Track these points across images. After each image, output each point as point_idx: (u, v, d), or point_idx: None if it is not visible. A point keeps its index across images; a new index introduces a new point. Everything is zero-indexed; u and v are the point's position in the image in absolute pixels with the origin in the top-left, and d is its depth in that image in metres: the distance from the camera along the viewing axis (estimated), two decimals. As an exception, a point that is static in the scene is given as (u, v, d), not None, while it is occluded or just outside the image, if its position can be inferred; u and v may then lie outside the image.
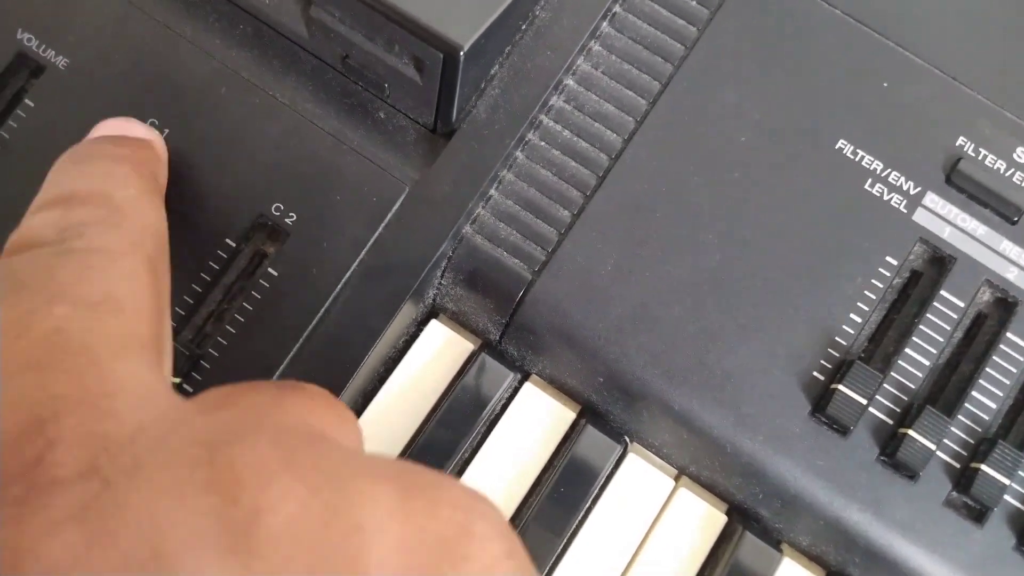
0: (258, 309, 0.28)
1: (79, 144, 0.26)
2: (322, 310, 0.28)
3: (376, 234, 0.29)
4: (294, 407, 0.19)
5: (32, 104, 0.30)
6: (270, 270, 0.28)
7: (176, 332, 0.28)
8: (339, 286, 0.28)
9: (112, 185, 0.23)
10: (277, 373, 0.28)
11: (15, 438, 0.16)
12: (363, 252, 0.29)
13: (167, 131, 0.29)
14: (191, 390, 0.28)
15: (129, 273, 0.21)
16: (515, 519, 0.29)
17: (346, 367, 0.28)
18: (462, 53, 0.27)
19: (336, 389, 0.28)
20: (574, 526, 0.29)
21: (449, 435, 0.30)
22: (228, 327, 0.28)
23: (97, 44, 0.30)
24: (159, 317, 0.21)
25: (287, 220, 0.29)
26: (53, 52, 0.30)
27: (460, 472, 0.30)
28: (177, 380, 0.27)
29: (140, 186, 0.24)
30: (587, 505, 0.29)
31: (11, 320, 0.18)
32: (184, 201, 0.29)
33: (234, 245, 0.28)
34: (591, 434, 0.30)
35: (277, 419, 0.18)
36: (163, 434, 0.17)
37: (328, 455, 0.17)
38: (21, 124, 0.30)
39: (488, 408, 0.30)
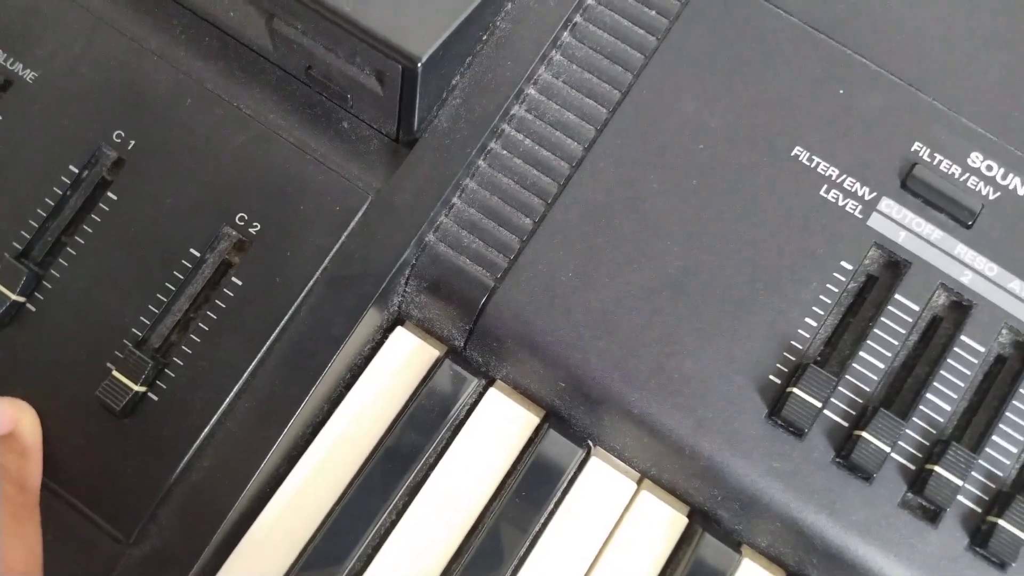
0: (223, 317, 0.29)
1: None
2: (286, 318, 0.29)
3: (339, 242, 0.29)
4: None
5: (0, 117, 0.30)
6: (234, 279, 0.29)
7: (142, 341, 0.29)
8: (303, 294, 0.29)
9: None
10: (241, 380, 0.28)
11: None
12: (326, 260, 0.29)
13: (133, 142, 0.30)
14: (155, 399, 0.28)
15: None
16: (479, 523, 0.30)
17: (310, 374, 0.29)
18: (420, 64, 0.27)
19: (300, 395, 0.28)
20: (538, 528, 0.30)
21: (414, 439, 0.30)
22: (193, 336, 0.28)
23: (65, 58, 0.30)
24: None
25: (251, 230, 0.29)
26: (21, 66, 0.31)
27: (425, 476, 0.30)
28: (143, 389, 0.28)
29: (5, 516, 0.24)
30: (551, 507, 0.30)
31: None
32: (149, 211, 0.29)
33: (199, 255, 0.29)
34: (554, 438, 0.30)
35: None
36: None
37: None
38: (-10, 137, 0.30)
39: (453, 413, 0.30)
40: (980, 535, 0.28)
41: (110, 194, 0.29)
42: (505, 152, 0.31)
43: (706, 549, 0.29)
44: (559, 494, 0.30)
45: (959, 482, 0.28)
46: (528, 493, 0.30)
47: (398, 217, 0.30)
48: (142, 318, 0.28)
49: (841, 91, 0.30)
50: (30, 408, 0.27)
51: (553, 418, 0.31)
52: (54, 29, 0.31)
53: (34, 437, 0.27)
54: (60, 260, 0.29)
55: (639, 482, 0.31)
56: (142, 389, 0.28)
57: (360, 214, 0.29)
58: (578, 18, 0.31)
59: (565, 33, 0.31)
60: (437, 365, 0.31)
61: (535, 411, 0.31)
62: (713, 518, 0.30)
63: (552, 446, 0.30)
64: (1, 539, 0.24)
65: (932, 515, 0.28)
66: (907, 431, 0.28)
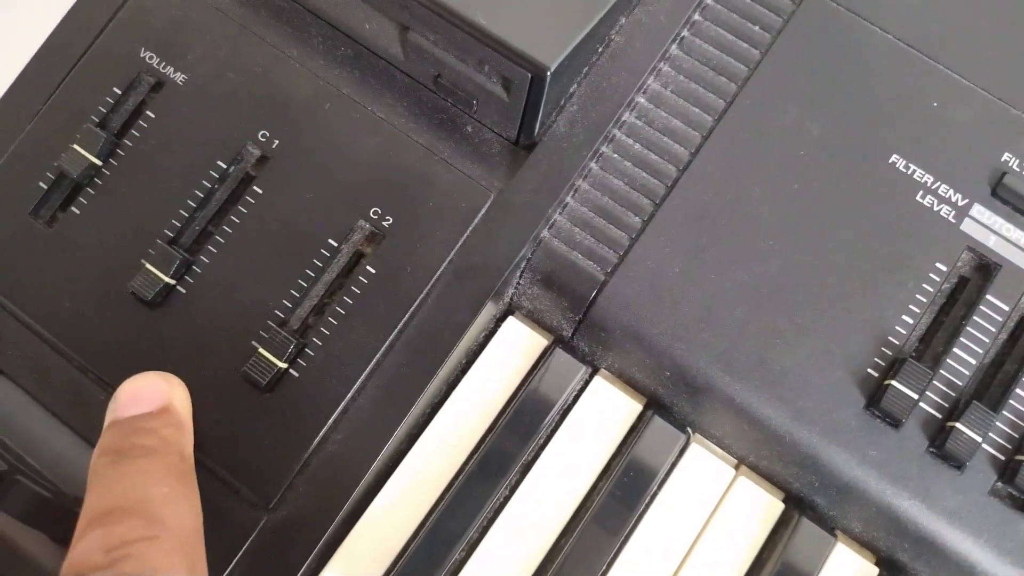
0: (357, 303, 0.31)
1: (110, 433, 0.28)
2: (414, 305, 0.31)
3: (463, 237, 0.31)
4: None
5: (153, 115, 0.33)
6: (368, 268, 0.31)
7: (283, 323, 0.31)
8: (430, 284, 0.31)
9: (147, 489, 0.26)
10: (373, 361, 0.31)
11: None
12: (452, 253, 0.31)
13: (277, 142, 0.32)
14: (296, 375, 0.30)
15: None
16: (585, 502, 0.32)
17: (435, 358, 0.31)
18: (549, 73, 0.29)
19: (425, 377, 0.31)
20: (640, 510, 0.31)
21: (525, 424, 0.32)
22: (330, 318, 0.31)
23: (212, 62, 0.33)
24: None
25: (384, 223, 0.31)
26: (172, 69, 0.33)
27: (535, 459, 0.32)
28: (285, 365, 0.30)
29: (172, 480, 0.26)
30: (653, 491, 0.32)
31: None
32: (290, 205, 0.32)
33: (335, 245, 0.31)
34: (657, 424, 0.32)
35: None
36: None
37: None
38: (143, 133, 0.33)
39: (561, 399, 0.32)
40: (1069, 524, 0.29)
41: (255, 187, 0.32)
42: (616, 156, 0.33)
43: (803, 533, 0.31)
44: (661, 478, 0.32)
45: (1049, 473, 0.29)
46: (632, 476, 0.32)
47: (517, 215, 0.32)
48: (284, 301, 0.31)
49: (935, 104, 0.32)
50: (181, 382, 0.30)
51: (655, 406, 0.33)
52: (202, 36, 0.33)
53: (186, 410, 0.29)
54: (208, 247, 0.32)
55: (737, 468, 0.33)
56: (284, 365, 0.30)
57: (483, 211, 0.32)
58: (686, 32, 0.33)
59: (674, 46, 0.33)
60: (546, 353, 0.33)
61: (638, 399, 0.33)
62: (809, 504, 0.32)
63: (655, 432, 0.32)
64: (172, 501, 0.26)
65: (1021, 504, 0.30)
66: (998, 423, 0.30)
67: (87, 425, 0.31)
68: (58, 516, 0.30)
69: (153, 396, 0.29)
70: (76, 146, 0.32)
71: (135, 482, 0.26)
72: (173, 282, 0.31)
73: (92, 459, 0.27)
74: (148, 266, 0.31)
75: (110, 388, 0.31)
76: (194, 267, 0.32)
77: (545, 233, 0.32)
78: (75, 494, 0.31)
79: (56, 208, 0.33)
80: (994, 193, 0.32)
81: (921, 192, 0.32)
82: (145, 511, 0.25)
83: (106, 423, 0.29)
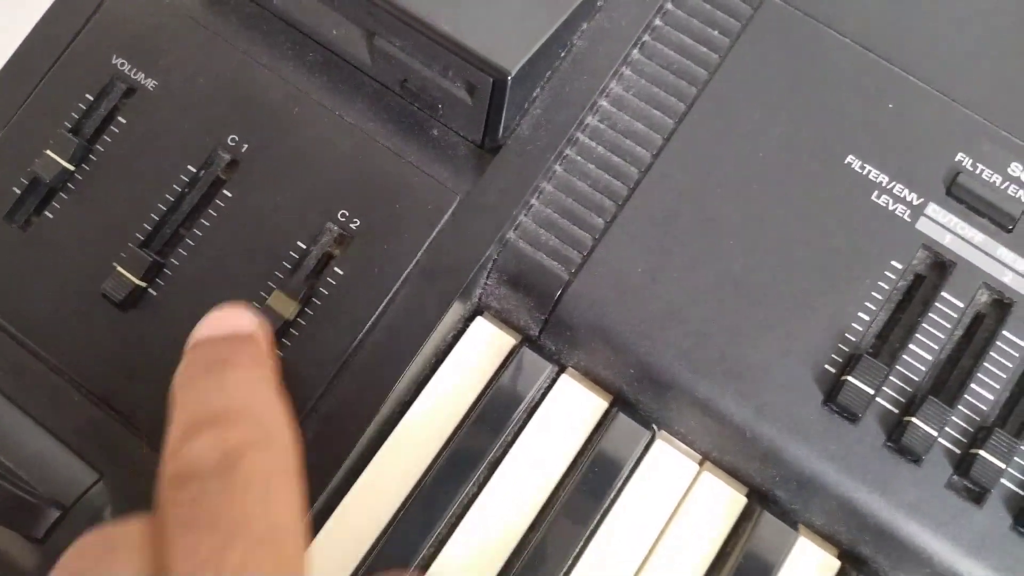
0: (326, 305, 0.31)
1: (201, 348, 0.26)
2: (382, 305, 0.32)
3: (430, 239, 0.32)
4: None
5: (125, 121, 0.34)
6: (336, 270, 0.32)
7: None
8: (397, 284, 0.32)
9: (253, 395, 0.24)
10: (341, 360, 0.31)
11: None
12: (419, 255, 0.32)
13: (246, 146, 0.33)
14: (266, 376, 0.31)
15: (286, 497, 0.22)
16: (552, 498, 0.32)
17: (403, 356, 0.31)
18: (510, 77, 0.30)
19: (393, 376, 0.31)
20: (607, 505, 0.32)
21: (492, 422, 0.33)
22: (299, 319, 0.31)
23: (183, 68, 0.34)
24: (304, 534, 0.23)
25: (352, 225, 0.32)
26: (143, 75, 0.34)
27: (503, 455, 0.33)
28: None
29: (271, 393, 0.25)
30: (618, 487, 0.32)
31: (194, 561, 0.20)
32: (260, 208, 0.32)
33: (304, 247, 0.32)
34: (622, 421, 0.33)
35: None
36: None
37: None
38: (115, 139, 0.33)
39: (528, 397, 0.33)
40: (1022, 515, 0.30)
41: (225, 191, 0.32)
42: (580, 158, 0.33)
43: (765, 527, 0.31)
44: (626, 474, 0.32)
45: (1003, 465, 0.30)
46: (598, 472, 0.32)
47: (483, 216, 0.32)
48: (255, 303, 0.31)
49: (891, 105, 0.33)
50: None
51: (621, 403, 0.33)
52: (174, 43, 0.34)
53: (270, 345, 0.28)
54: (179, 250, 0.32)
55: (701, 464, 0.33)
56: (254, 367, 0.31)
57: (449, 213, 0.32)
58: (647, 37, 0.34)
59: (635, 51, 0.34)
60: (514, 352, 0.33)
61: (604, 396, 0.34)
62: (771, 498, 0.32)
63: (621, 428, 0.33)
64: (277, 413, 0.24)
65: (977, 496, 0.30)
66: (953, 418, 0.31)
67: (62, 425, 0.32)
68: (34, 516, 0.31)
69: (241, 322, 0.27)
70: (50, 152, 0.33)
71: (238, 389, 0.24)
72: (144, 284, 0.32)
73: (177, 375, 0.25)
74: (119, 269, 0.31)
75: (84, 389, 0.32)
76: (165, 269, 0.32)
77: (511, 234, 0.33)
78: (50, 494, 0.32)
79: (31, 212, 0.33)
80: (949, 192, 0.32)
81: (877, 192, 0.32)
82: (254, 418, 0.23)
83: (190, 345, 0.27)
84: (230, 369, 0.25)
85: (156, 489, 0.22)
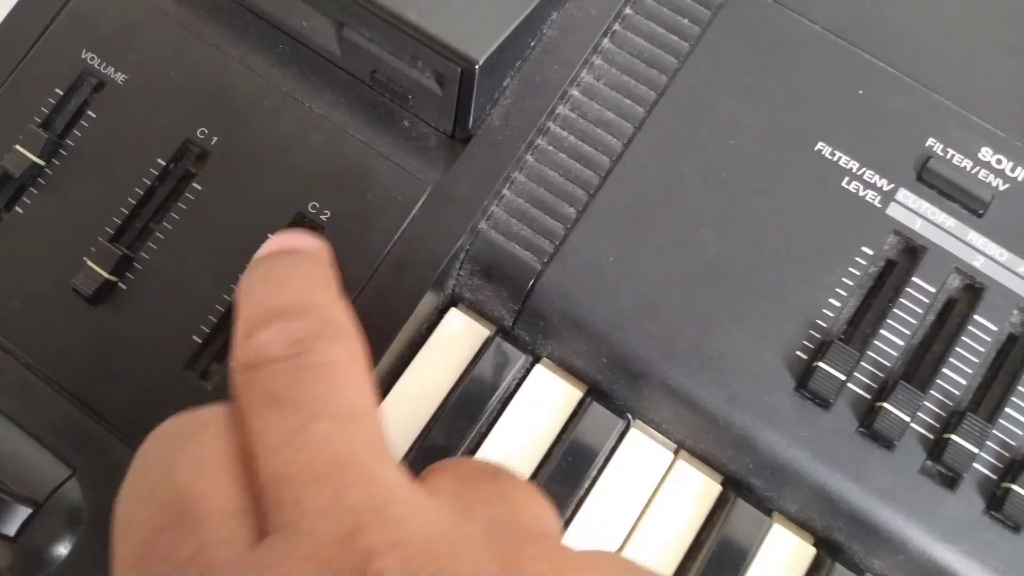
0: (296, 296, 0.31)
1: (264, 259, 0.26)
2: (354, 297, 0.31)
3: (401, 229, 0.32)
4: (531, 503, 0.22)
5: (95, 115, 0.33)
6: (307, 261, 0.32)
7: (225, 317, 0.31)
8: (369, 276, 0.32)
9: (318, 294, 0.24)
10: (313, 354, 0.31)
11: (335, 542, 0.18)
12: (390, 245, 0.32)
13: (216, 139, 0.33)
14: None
15: (360, 383, 0.22)
16: (527, 488, 0.32)
17: (376, 348, 0.31)
18: (477, 67, 0.30)
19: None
20: (581, 495, 0.32)
21: (467, 413, 0.33)
22: (270, 312, 0.31)
23: (153, 62, 0.34)
24: (382, 418, 0.23)
25: (322, 217, 0.32)
26: (113, 69, 0.34)
27: (478, 445, 0.32)
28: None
29: (337, 295, 0.25)
30: (593, 476, 0.32)
31: (280, 435, 0.20)
32: (230, 200, 0.32)
33: (275, 239, 0.32)
34: (596, 411, 0.32)
35: (529, 519, 0.21)
36: (449, 539, 0.19)
37: (570, 555, 0.20)
38: (85, 133, 0.33)
39: (502, 388, 0.33)
40: (995, 500, 0.30)
41: (195, 184, 0.32)
42: (551, 148, 0.33)
43: (739, 514, 0.31)
44: (601, 462, 0.32)
45: (975, 450, 0.30)
46: (573, 461, 0.32)
47: (454, 207, 0.32)
48: (226, 296, 0.31)
49: (861, 92, 0.33)
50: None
51: (595, 392, 0.33)
52: (143, 37, 0.34)
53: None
54: (150, 244, 0.32)
55: (676, 452, 0.33)
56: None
57: (420, 204, 0.32)
58: (617, 26, 0.34)
59: (605, 40, 0.34)
60: (488, 343, 0.33)
61: (578, 386, 0.34)
62: (745, 486, 0.32)
63: (595, 418, 0.32)
64: (342, 309, 0.24)
65: (950, 481, 0.30)
66: (926, 403, 0.31)
67: (33, 421, 0.32)
68: (6, 513, 0.30)
69: (304, 241, 0.27)
70: (19, 147, 0.33)
71: (302, 288, 0.24)
72: (114, 278, 0.32)
73: (240, 285, 0.24)
74: (89, 263, 0.31)
75: (55, 384, 0.32)
76: (135, 263, 0.32)
77: (483, 224, 0.33)
78: (23, 491, 0.31)
79: (0, 208, 0.33)
80: (919, 178, 0.32)
81: (847, 178, 0.32)
82: (319, 312, 0.23)
83: (253, 262, 0.26)
84: (294, 272, 0.24)
85: (229, 381, 0.22)
